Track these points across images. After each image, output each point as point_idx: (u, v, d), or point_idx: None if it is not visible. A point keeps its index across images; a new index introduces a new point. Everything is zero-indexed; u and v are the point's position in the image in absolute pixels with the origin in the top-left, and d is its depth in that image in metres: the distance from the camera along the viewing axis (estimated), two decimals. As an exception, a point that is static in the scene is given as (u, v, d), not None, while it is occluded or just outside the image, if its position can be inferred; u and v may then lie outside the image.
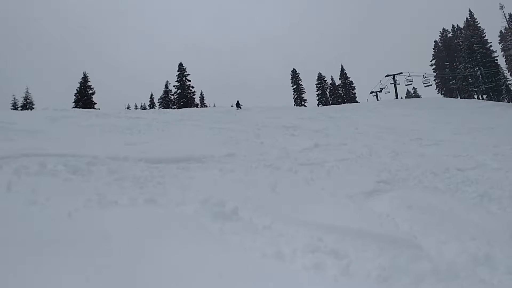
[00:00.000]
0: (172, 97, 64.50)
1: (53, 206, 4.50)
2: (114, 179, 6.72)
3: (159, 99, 67.57)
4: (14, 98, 55.61)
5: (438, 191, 8.43)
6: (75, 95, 54.23)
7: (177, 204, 5.36)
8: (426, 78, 52.93)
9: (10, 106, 54.46)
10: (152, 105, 70.62)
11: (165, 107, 60.91)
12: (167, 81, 66.90)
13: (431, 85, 54.34)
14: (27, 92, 56.59)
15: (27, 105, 55.09)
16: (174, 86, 63.28)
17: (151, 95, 72.62)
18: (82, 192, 5.42)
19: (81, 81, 55.00)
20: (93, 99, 54.67)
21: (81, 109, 28.95)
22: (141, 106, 76.35)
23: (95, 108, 45.00)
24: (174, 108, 51.99)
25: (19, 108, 52.95)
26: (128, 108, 70.33)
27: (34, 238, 3.32)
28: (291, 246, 4.16)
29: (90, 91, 54.98)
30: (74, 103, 52.82)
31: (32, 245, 3.15)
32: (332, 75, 75.11)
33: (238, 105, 35.03)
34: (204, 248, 3.73)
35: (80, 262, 2.96)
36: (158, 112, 25.73)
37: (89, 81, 55.48)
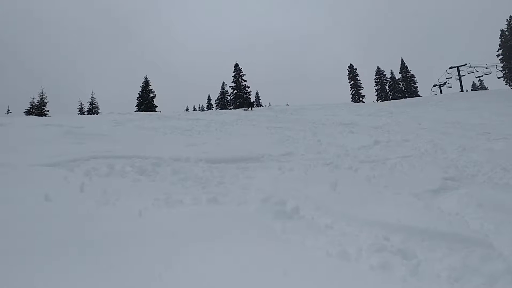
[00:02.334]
0: (228, 97, 65.52)
1: (124, 205, 4.75)
2: (178, 179, 6.97)
3: (216, 100, 68.93)
4: (81, 103, 58.87)
5: (510, 187, 7.92)
6: (137, 99, 56.56)
7: (239, 203, 5.45)
8: (485, 69, 50.17)
9: (77, 111, 57.71)
10: (209, 107, 72.22)
11: (221, 108, 62.06)
12: (223, 82, 68.10)
13: (490, 73, 51.25)
14: (92, 97, 59.76)
15: (93, 109, 58.14)
16: (230, 86, 64.30)
17: (208, 96, 74.33)
18: (150, 192, 5.67)
19: (142, 85, 57.24)
20: (154, 102, 56.73)
21: (143, 112, 30.15)
22: (199, 107, 78.31)
23: (157, 111, 46.69)
24: (230, 109, 52.81)
25: (85, 113, 55.97)
26: (187, 110, 72.42)
27: (107, 237, 3.51)
28: (356, 246, 4.09)
29: (151, 95, 57.08)
30: (136, 107, 55.16)
31: (105, 244, 3.34)
32: (391, 69, 72.58)
33: (249, 105, 33.91)
34: (267, 246, 3.75)
35: (152, 259, 3.09)
36: (216, 113, 26.26)
37: (150, 85, 57.62)
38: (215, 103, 68.91)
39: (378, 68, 69.86)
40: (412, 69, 68.38)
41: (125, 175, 6.88)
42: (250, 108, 32.89)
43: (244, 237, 3.97)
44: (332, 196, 6.51)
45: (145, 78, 57.63)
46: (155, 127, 15.49)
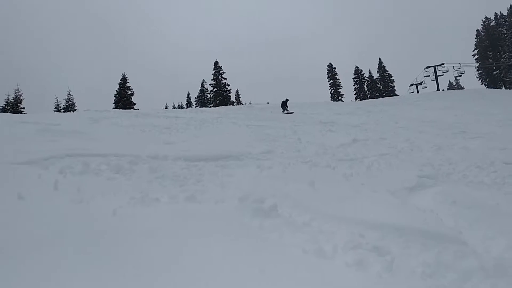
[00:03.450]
0: (209, 95, 65.23)
1: (98, 204, 4.67)
2: (156, 177, 6.89)
3: (195, 98, 68.53)
4: (57, 100, 57.79)
5: (484, 185, 8.13)
6: (115, 96, 55.81)
7: (217, 202, 5.41)
8: (459, 69, 51.23)
9: (53, 108, 56.61)
10: (189, 104, 71.75)
11: (201, 106, 61.72)
12: (203, 80, 67.75)
13: (463, 74, 52.42)
14: (69, 94, 58.72)
15: (69, 107, 57.14)
16: (210, 84, 64.02)
17: (188, 94, 73.89)
18: (126, 190, 5.60)
19: (120, 82, 56.51)
20: (133, 100, 56.06)
21: (121, 109, 29.76)
22: (179, 105, 77.72)
23: (135, 109, 46.18)
24: (210, 107, 52.57)
25: (61, 110, 54.95)
26: (166, 107, 71.79)
27: (80, 236, 3.44)
28: (332, 243, 4.12)
29: (129, 92, 56.40)
30: (114, 104, 54.40)
31: (79, 243, 3.27)
32: (369, 68, 73.48)
33: (284, 105, 27.13)
34: (244, 244, 3.75)
35: (127, 258, 3.04)
36: (195, 111, 26.06)
37: (128, 82, 56.93)
38: (195, 101, 68.52)
39: (357, 67, 70.67)
40: (390, 68, 69.41)
41: (101, 173, 6.76)
42: (285, 109, 26.54)
43: (222, 235, 3.95)
44: (310, 194, 6.53)
45: (123, 75, 56.92)
46: (133, 124, 15.28)
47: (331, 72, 70.10)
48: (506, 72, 59.95)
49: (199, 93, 67.69)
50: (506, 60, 59.22)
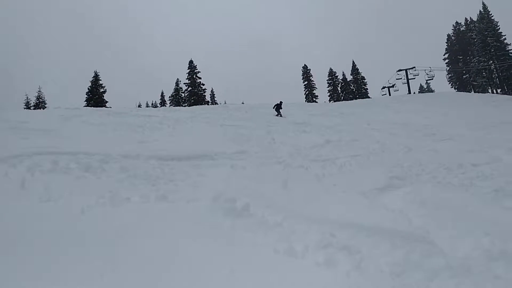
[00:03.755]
0: (183, 94, 64.67)
1: (66, 203, 4.56)
2: (126, 176, 6.79)
3: (169, 97, 67.75)
4: (27, 98, 56.27)
5: (452, 186, 8.32)
6: (86, 94, 54.64)
7: (189, 201, 5.38)
8: (430, 73, 52.44)
9: (23, 105, 55.08)
10: (163, 103, 70.93)
11: (176, 105, 61.11)
12: (177, 79, 66.98)
13: (433, 78, 53.76)
14: (39, 91, 57.25)
15: (40, 104, 55.70)
16: (184, 83, 63.44)
17: (162, 93, 72.94)
18: (95, 190, 5.48)
19: (92, 80, 55.39)
20: (105, 98, 55.04)
21: (92, 107, 29.18)
22: (152, 104, 76.76)
23: (107, 107, 45.34)
24: (185, 106, 52.15)
25: (31, 108, 53.53)
26: (139, 106, 70.82)
27: (46, 235, 3.35)
28: (303, 243, 4.15)
29: (102, 90, 55.34)
30: (85, 102, 53.26)
31: (44, 242, 3.19)
32: (343, 70, 74.43)
33: (278, 108, 25.44)
34: (215, 244, 3.73)
35: (93, 258, 2.98)
36: (169, 110, 25.79)
37: (100, 80, 55.85)
38: (169, 100, 67.77)
39: (331, 69, 71.36)
40: (363, 71, 70.50)
41: (70, 172, 6.61)
42: (279, 113, 25.00)
43: (193, 235, 3.93)
44: (283, 194, 6.57)
45: (95, 72, 55.75)
46: (105, 123, 15.01)
47: (306, 73, 70.61)
48: (475, 76, 61.78)
49: (174, 92, 66.96)
50: (475, 64, 61.00)
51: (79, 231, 3.54)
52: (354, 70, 70.28)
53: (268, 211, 5.37)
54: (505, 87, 59.11)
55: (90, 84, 55.16)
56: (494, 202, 7.26)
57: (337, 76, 71.04)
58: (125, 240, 3.47)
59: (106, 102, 54.15)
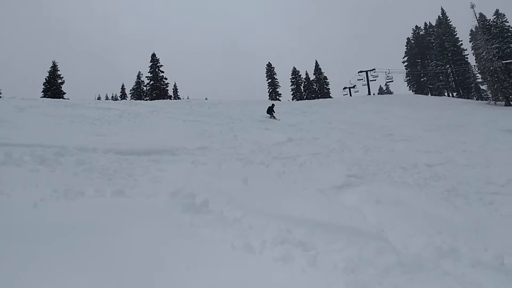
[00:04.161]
0: (145, 88, 63.41)
1: (18, 196, 4.38)
2: (82, 170, 6.58)
3: (130, 90, 66.17)
4: (-20, 87, 53.50)
5: (407, 185, 8.62)
6: (44, 85, 52.57)
7: (147, 196, 5.29)
8: (389, 75, 53.88)
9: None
10: (123, 96, 69.26)
11: (137, 99, 59.80)
12: (139, 72, 65.53)
13: (392, 81, 55.35)
14: (-7, 80, 54.69)
15: (-6, 94, 53.14)
16: (146, 77, 62.21)
17: (122, 86, 71.18)
18: (49, 183, 5.28)
19: (50, 70, 53.35)
20: (63, 89, 53.15)
21: (50, 98, 28.15)
22: (112, 97, 74.77)
23: (65, 98, 43.80)
24: (146, 100, 51.14)
25: (-15, 97, 50.95)
26: (98, 98, 68.66)
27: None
28: (261, 238, 4.18)
29: (60, 81, 53.41)
30: (42, 93, 51.26)
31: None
32: (306, 70, 75.23)
33: (270, 111, 24.10)
34: (172, 240, 3.69)
35: (44, 254, 2.88)
36: (130, 103, 25.23)
37: (59, 70, 53.91)
38: (130, 94, 66.25)
39: (294, 68, 71.98)
40: (326, 71, 71.54)
41: (23, 164, 6.34)
42: (272, 115, 23.72)
43: (150, 230, 3.86)
44: (243, 191, 6.59)
45: (53, 62, 53.77)
46: (62, 114, 14.50)
47: (270, 71, 70.89)
48: (432, 79, 64.03)
49: (135, 85, 65.46)
50: (432, 68, 63.20)
51: (30, 226, 3.40)
52: (317, 70, 71.23)
53: (227, 207, 5.38)
54: (461, 91, 61.72)
55: (48, 75, 53.08)
56: (446, 202, 7.60)
57: (300, 75, 71.78)
58: (79, 235, 3.37)
59: (64, 93, 52.26)
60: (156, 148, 9.43)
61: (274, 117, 23.46)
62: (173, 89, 70.83)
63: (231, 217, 4.96)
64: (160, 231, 3.89)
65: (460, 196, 7.97)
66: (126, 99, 64.79)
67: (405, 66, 69.71)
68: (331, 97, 62.81)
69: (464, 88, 61.79)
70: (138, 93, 63.39)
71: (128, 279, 2.76)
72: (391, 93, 72.92)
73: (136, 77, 65.41)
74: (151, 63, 61.57)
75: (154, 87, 60.19)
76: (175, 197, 5.11)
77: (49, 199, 4.46)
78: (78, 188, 5.07)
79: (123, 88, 70.67)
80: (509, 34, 55.13)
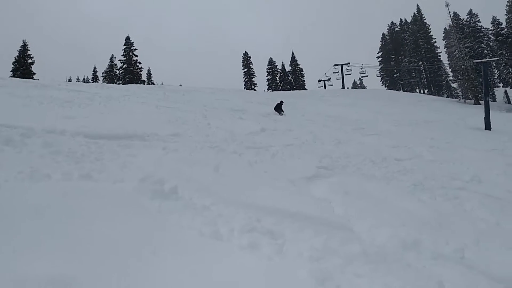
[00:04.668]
0: (118, 71, 62.18)
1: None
2: (49, 152, 6.40)
3: (103, 73, 64.76)
4: None
5: (375, 178, 8.78)
6: (13, 64, 50.88)
7: (115, 181, 5.21)
8: (363, 70, 54.48)
9: None
10: (95, 79, 67.71)
11: (109, 82, 58.55)
12: (112, 55, 64.15)
13: (367, 76, 56.04)
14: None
15: (-42, 71, 51.05)
16: (120, 60, 61.01)
17: (94, 68, 69.57)
18: (14, 164, 5.14)
19: (20, 50, 51.62)
20: (33, 69, 51.57)
21: (19, 79, 27.28)
22: (84, 79, 72.97)
23: (34, 79, 42.49)
24: (119, 84, 50.16)
25: None
26: (69, 80, 66.92)
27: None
28: (229, 226, 4.20)
29: (30, 61, 51.79)
30: (11, 72, 49.57)
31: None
32: (283, 60, 75.28)
33: (279, 108, 22.44)
34: (139, 225, 3.66)
35: (7, 235, 2.81)
36: (102, 86, 24.66)
37: (29, 50, 52.22)
38: (102, 77, 64.82)
39: (271, 58, 71.98)
40: (302, 63, 71.84)
41: (-13, 145, 6.14)
42: (280, 110, 22.26)
43: (116, 215, 3.82)
44: (214, 179, 6.58)
45: (24, 42, 52.01)
46: (31, 95, 14.05)
47: (246, 60, 70.65)
48: (405, 75, 65.31)
49: (107, 68, 64.07)
50: (406, 64, 64.44)
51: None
52: (293, 61, 71.45)
53: (197, 194, 5.36)
54: (432, 88, 63.27)
55: (17, 54, 51.33)
56: (412, 195, 7.78)
57: (277, 66, 71.87)
58: (44, 218, 3.30)
59: (34, 74, 50.72)
60: (127, 133, 9.27)
61: (281, 113, 21.88)
62: (147, 74, 69.76)
63: (201, 204, 4.96)
64: (127, 216, 3.85)
65: (426, 191, 8.18)
66: (98, 82, 63.32)
67: (379, 61, 70.82)
68: (306, 89, 63.18)
69: (436, 85, 63.40)
70: (111, 76, 62.12)
71: (91, 263, 2.73)
72: (364, 87, 73.95)
73: (109, 60, 64.06)
74: (125, 46, 60.40)
75: (127, 71, 59.13)
76: (143, 183, 5.05)
77: (14, 180, 4.35)
78: (44, 170, 4.95)
79: (95, 71, 69.07)
80: (481, 34, 56.84)
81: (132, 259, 2.90)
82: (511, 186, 9.14)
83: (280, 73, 71.43)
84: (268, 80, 71.18)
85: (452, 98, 56.02)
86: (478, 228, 6.15)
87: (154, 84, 62.49)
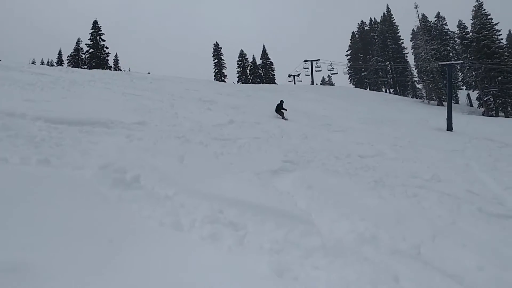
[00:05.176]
0: (83, 56, 60.38)
1: None
2: (7, 135, 6.16)
3: (68, 56, 62.78)
4: None
5: (338, 174, 8.93)
6: (-28, 43, 48.54)
7: (75, 168, 5.07)
8: (330, 67, 54.94)
9: None
10: (60, 63, 65.55)
11: (74, 66, 56.79)
12: (79, 38, 62.16)
13: (337, 73, 56.58)
14: None
15: None
16: (86, 44, 59.20)
17: (60, 51, 67.34)
18: (-34, 147, 4.93)
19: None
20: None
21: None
22: (48, 62, 70.54)
23: (-5, 59, 40.71)
24: (84, 68, 48.73)
25: None
26: (33, 63, 64.63)
27: None
28: (191, 217, 4.17)
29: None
30: (-30, 52, 47.29)
31: None
32: (254, 54, 75.21)
33: (280, 108, 19.91)
34: (98, 214, 3.58)
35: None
36: (66, 70, 23.88)
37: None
38: (67, 60, 62.80)
39: (242, 50, 71.58)
40: (273, 57, 71.94)
41: None
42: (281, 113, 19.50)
43: (73, 202, 3.72)
44: (178, 169, 6.51)
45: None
46: (-11, 77, 13.47)
47: (217, 51, 70.03)
48: (372, 74, 66.49)
49: (73, 52, 62.07)
50: (373, 63, 65.58)
51: None
52: (264, 54, 71.42)
53: (159, 184, 5.30)
54: (397, 88, 64.75)
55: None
56: (373, 191, 7.95)
57: (247, 58, 71.64)
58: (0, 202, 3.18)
59: (-5, 54, 48.53)
60: (90, 119, 9.01)
61: (283, 117, 19.16)
62: (114, 59, 68.14)
63: (163, 194, 4.90)
64: (85, 204, 3.75)
65: (386, 187, 8.39)
66: (63, 66, 61.33)
67: (348, 59, 71.71)
68: (276, 83, 63.38)
69: (401, 85, 64.92)
70: (76, 60, 60.25)
71: (46, 250, 2.66)
72: (333, 84, 74.82)
73: (75, 44, 62.14)
74: (92, 30, 58.60)
75: (93, 55, 57.44)
76: (104, 170, 4.94)
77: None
78: (1, 153, 4.77)
79: (60, 54, 66.84)
80: (448, 37, 58.47)
81: (88, 247, 2.84)
82: (469, 185, 9.49)
83: (251, 65, 71.24)
84: (238, 72, 70.85)
85: (417, 98, 57.56)
86: (434, 225, 6.34)
87: (121, 70, 61.14)
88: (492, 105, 42.59)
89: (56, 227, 3.05)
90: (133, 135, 8.45)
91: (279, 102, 20.72)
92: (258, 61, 71.62)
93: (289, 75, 58.58)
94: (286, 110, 19.83)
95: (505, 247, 5.69)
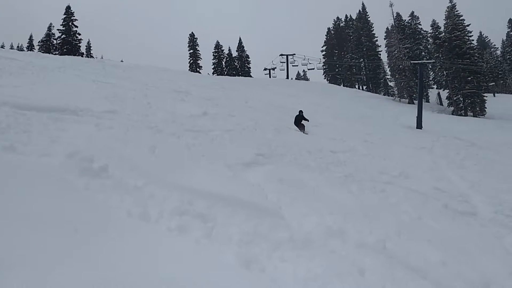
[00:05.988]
0: (55, 41, 58.74)
1: None
2: (-30, 121, 5.95)
3: (39, 42, 60.94)
4: None
5: (309, 168, 9.02)
6: None
7: (41, 155, 4.93)
8: (304, 61, 55.33)
9: None
10: (30, 48, 63.58)
11: (45, 52, 55.16)
12: (50, 23, 60.43)
13: (314, 69, 56.88)
14: None
15: None
16: (58, 30, 57.58)
17: (31, 36, 65.35)
18: None
19: None
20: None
21: None
22: (18, 47, 68.29)
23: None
24: (55, 54, 47.39)
25: None
26: (2, 47, 62.49)
27: None
28: (159, 208, 4.14)
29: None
30: None
31: None
32: (230, 46, 74.86)
33: (300, 121, 16.86)
34: (63, 202, 3.50)
35: None
36: (36, 56, 23.18)
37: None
38: (38, 45, 60.94)
39: (218, 42, 71.17)
40: (249, 50, 71.75)
41: None
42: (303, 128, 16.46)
43: (39, 191, 3.61)
44: (149, 159, 6.43)
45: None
46: (-47, 59, 12.94)
47: (193, 42, 69.33)
48: (346, 71, 67.28)
49: (44, 37, 60.29)
50: (348, 60, 66.36)
51: None
52: (240, 47, 71.25)
53: (129, 174, 5.22)
54: (370, 85, 65.81)
55: None
56: (342, 186, 8.09)
57: (223, 50, 71.27)
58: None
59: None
60: (59, 106, 8.76)
61: (304, 131, 16.20)
62: (86, 46, 66.60)
63: (132, 184, 4.83)
64: (51, 192, 3.66)
65: (355, 182, 8.53)
66: (33, 51, 59.47)
67: (323, 55, 72.28)
68: (251, 76, 63.34)
69: (374, 82, 66.04)
70: (47, 46, 58.53)
71: (8, 239, 2.58)
72: (307, 79, 75.34)
73: (46, 29, 60.34)
74: (64, 16, 57.04)
75: (65, 41, 55.99)
76: (72, 159, 4.82)
77: None
78: (-38, 140, 4.59)
79: (31, 39, 64.93)
80: (421, 36, 59.66)
81: (52, 237, 2.77)
82: (436, 183, 9.76)
83: (227, 58, 70.90)
84: (214, 64, 70.43)
85: (389, 96, 58.73)
86: (400, 220, 6.50)
87: (93, 57, 59.76)
88: (461, 105, 43.76)
89: (19, 216, 2.96)
90: (102, 124, 8.27)
91: (297, 113, 17.42)
92: (234, 54, 71.31)
93: (265, 69, 58.62)
94: (308, 120, 17.08)
95: (469, 243, 5.89)
